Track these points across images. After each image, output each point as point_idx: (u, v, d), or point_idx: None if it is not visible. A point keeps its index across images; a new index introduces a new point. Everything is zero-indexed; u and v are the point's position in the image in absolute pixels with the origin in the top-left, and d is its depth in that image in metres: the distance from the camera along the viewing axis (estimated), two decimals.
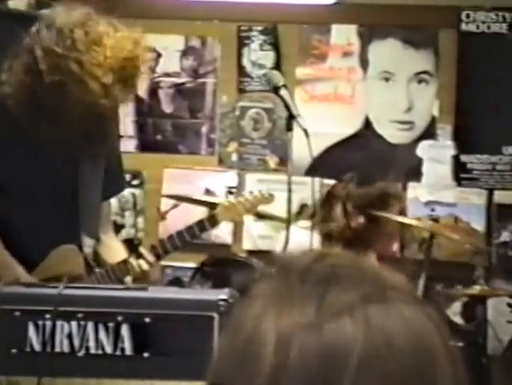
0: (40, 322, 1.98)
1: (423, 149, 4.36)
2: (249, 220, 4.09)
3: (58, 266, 2.32)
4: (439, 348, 0.64)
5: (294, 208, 4.00)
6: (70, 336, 1.97)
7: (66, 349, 1.97)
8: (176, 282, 4.12)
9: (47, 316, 1.98)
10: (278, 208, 3.02)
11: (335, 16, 4.40)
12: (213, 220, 2.64)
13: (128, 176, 4.07)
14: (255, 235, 4.34)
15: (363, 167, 4.31)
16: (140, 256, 2.45)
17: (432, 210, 4.25)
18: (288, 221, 2.39)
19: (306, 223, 3.81)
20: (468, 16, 4.32)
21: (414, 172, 4.35)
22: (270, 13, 4.42)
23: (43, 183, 2.35)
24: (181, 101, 4.52)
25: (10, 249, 2.33)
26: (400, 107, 4.38)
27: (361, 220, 3.52)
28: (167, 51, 4.50)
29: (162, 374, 1.98)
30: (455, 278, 4.07)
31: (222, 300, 1.96)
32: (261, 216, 3.49)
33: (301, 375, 0.61)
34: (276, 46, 4.44)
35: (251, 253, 4.17)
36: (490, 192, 4.27)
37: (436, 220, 4.15)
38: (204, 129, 4.52)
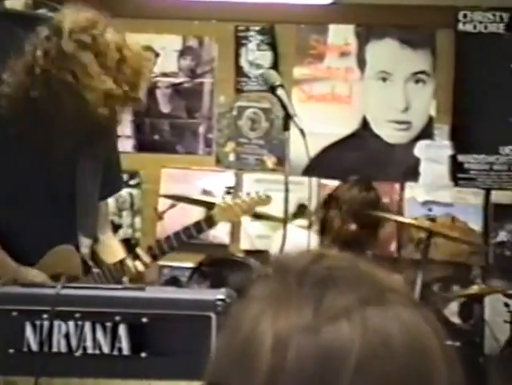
0: (37, 322, 1.98)
1: (420, 149, 4.37)
2: (246, 220, 4.09)
3: (55, 266, 2.32)
4: (435, 350, 0.64)
5: (292, 208, 4.00)
6: (67, 336, 1.97)
7: (63, 349, 1.97)
8: (174, 282, 4.12)
9: (45, 316, 1.98)
10: (275, 208, 3.02)
11: (332, 16, 4.40)
12: (210, 222, 2.64)
13: (125, 176, 4.07)
14: (253, 235, 4.34)
15: (361, 167, 4.32)
16: (136, 257, 2.45)
17: (430, 210, 4.26)
18: (285, 221, 2.39)
19: (304, 222, 3.81)
20: (465, 16, 4.32)
21: (411, 172, 4.35)
22: (267, 13, 4.42)
23: (40, 183, 2.35)
24: (179, 101, 4.52)
25: (6, 248, 2.32)
26: (398, 107, 4.38)
27: (353, 226, 3.54)
28: (164, 51, 4.50)
29: (160, 374, 1.98)
30: (452, 278, 4.08)
31: (220, 300, 1.96)
32: (258, 217, 3.49)
33: (298, 377, 0.61)
34: (273, 46, 4.44)
35: (249, 252, 4.17)
36: (487, 192, 4.28)
37: (433, 220, 4.16)
38: (201, 129, 4.52)
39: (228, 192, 4.36)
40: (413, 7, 4.30)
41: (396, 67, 4.38)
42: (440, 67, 4.35)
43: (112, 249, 2.53)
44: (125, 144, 4.30)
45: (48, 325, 1.97)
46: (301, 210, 4.14)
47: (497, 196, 4.26)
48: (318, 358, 0.61)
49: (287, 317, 0.63)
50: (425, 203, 4.29)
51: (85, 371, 1.97)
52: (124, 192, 4.26)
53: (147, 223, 4.48)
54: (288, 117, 2.33)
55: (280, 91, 2.35)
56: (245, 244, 4.36)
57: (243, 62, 4.47)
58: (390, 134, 4.39)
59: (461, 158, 4.34)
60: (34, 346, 1.98)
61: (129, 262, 2.42)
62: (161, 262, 3.77)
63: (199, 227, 2.60)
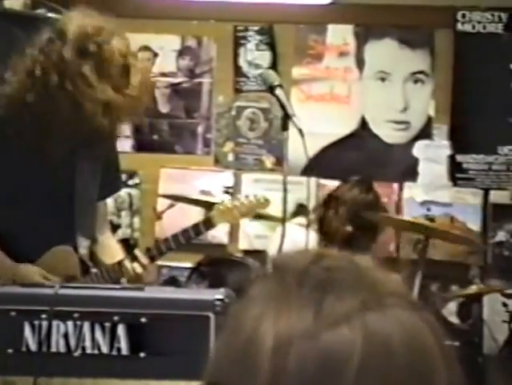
0: (36, 322, 1.98)
1: (419, 149, 4.37)
2: (245, 220, 4.09)
3: (53, 267, 2.32)
4: (435, 352, 0.64)
5: (291, 208, 4.00)
6: (66, 336, 1.97)
7: (62, 349, 1.97)
8: (173, 282, 4.12)
9: (43, 316, 1.98)
10: (273, 208, 3.02)
11: (331, 16, 4.40)
12: (208, 224, 2.65)
13: (124, 176, 4.07)
14: (251, 235, 4.34)
15: (360, 167, 4.32)
16: (134, 258, 2.44)
17: (428, 210, 4.26)
18: (284, 221, 2.39)
19: (303, 220, 3.81)
20: (464, 16, 4.32)
21: (410, 172, 4.35)
22: (266, 13, 4.42)
23: (38, 183, 2.34)
24: (177, 101, 4.52)
25: (4, 249, 2.32)
26: (396, 106, 4.38)
27: (350, 228, 3.54)
28: (163, 51, 4.50)
29: (158, 374, 1.98)
30: (450, 278, 4.08)
31: (218, 300, 1.96)
32: (257, 216, 3.49)
33: (300, 381, 0.61)
34: (272, 46, 4.44)
35: (247, 252, 4.17)
36: (486, 191, 4.28)
37: (431, 220, 4.16)
38: (200, 129, 4.52)
39: (226, 192, 4.36)
40: (412, 7, 4.30)
41: (395, 67, 4.38)
42: (438, 67, 4.35)
43: (111, 250, 2.53)
44: (124, 144, 4.30)
45: (47, 325, 1.97)
46: (300, 210, 4.14)
47: (495, 196, 4.26)
48: (320, 363, 0.61)
49: (288, 320, 0.63)
50: (424, 203, 4.29)
51: (84, 371, 1.97)
52: (123, 192, 4.26)
53: (146, 223, 4.48)
54: (287, 117, 2.33)
55: (279, 91, 2.35)
56: (243, 244, 4.36)
57: (242, 62, 4.47)
58: (389, 134, 4.40)
59: (459, 158, 4.34)
60: (33, 346, 1.97)
61: (127, 264, 2.42)
62: (160, 262, 3.77)
63: (197, 229, 2.61)
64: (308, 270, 0.65)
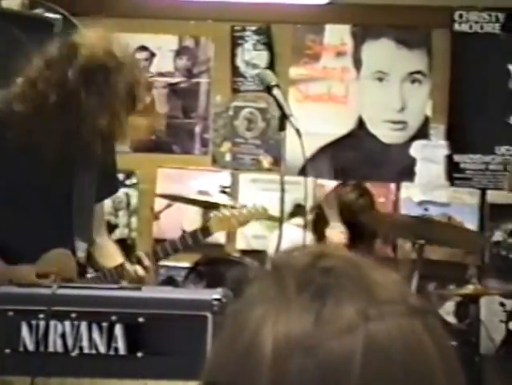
0: (33, 322, 1.98)
1: (416, 149, 4.37)
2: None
3: (49, 269, 2.31)
4: (437, 362, 0.64)
5: (288, 208, 4.00)
6: (63, 336, 1.97)
7: (59, 349, 1.97)
8: (170, 282, 4.12)
9: (41, 316, 1.97)
10: (271, 208, 3.02)
11: (328, 16, 4.41)
12: (206, 232, 2.65)
13: (121, 176, 4.07)
14: (249, 235, 4.34)
15: (357, 167, 4.32)
16: (137, 261, 2.44)
17: (426, 210, 4.26)
18: (281, 221, 2.40)
19: (300, 220, 3.81)
20: (461, 16, 4.33)
21: (407, 172, 4.36)
22: (263, 13, 4.43)
23: (36, 185, 2.34)
24: (175, 101, 4.52)
25: (1, 251, 2.31)
26: (394, 106, 4.39)
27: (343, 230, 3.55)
28: (161, 51, 4.50)
29: (156, 373, 1.98)
30: (448, 278, 4.09)
31: (216, 300, 1.96)
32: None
33: None
34: (270, 46, 4.44)
35: (245, 252, 4.18)
36: (483, 191, 4.29)
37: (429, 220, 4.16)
38: (197, 129, 4.52)
39: (224, 192, 4.36)
40: (409, 7, 4.30)
41: (392, 67, 4.38)
42: (436, 67, 4.36)
43: (109, 252, 2.52)
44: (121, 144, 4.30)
45: (44, 325, 1.97)
46: (297, 210, 4.14)
47: (492, 196, 4.27)
48: (320, 373, 0.61)
49: (287, 327, 0.62)
50: (421, 203, 4.30)
51: (81, 371, 1.97)
52: (121, 192, 4.25)
53: (143, 223, 4.48)
54: (284, 117, 2.33)
55: (276, 91, 2.35)
56: (241, 244, 4.36)
57: (239, 62, 4.47)
58: (386, 134, 4.40)
59: (456, 158, 4.34)
60: (31, 346, 1.97)
61: (129, 266, 2.42)
62: None
63: (195, 237, 2.61)
64: (307, 273, 0.65)
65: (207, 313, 1.94)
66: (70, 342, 1.97)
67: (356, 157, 4.37)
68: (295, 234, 2.97)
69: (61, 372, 1.97)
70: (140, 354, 1.97)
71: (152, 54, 4.50)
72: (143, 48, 4.49)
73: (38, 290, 2.04)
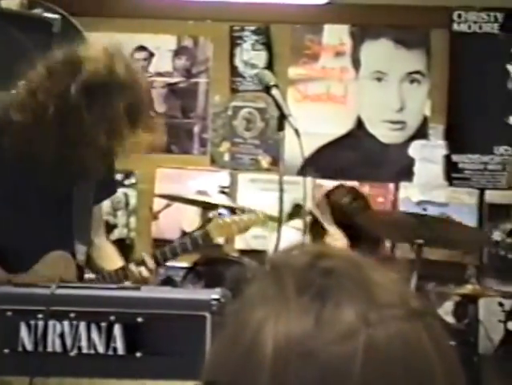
0: (32, 322, 1.98)
1: (415, 149, 4.37)
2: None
3: (49, 271, 2.30)
4: (437, 366, 0.64)
5: (287, 208, 4.00)
6: (62, 336, 1.97)
7: (58, 349, 1.97)
8: (169, 282, 4.12)
9: (39, 316, 1.97)
10: (270, 207, 3.02)
11: (327, 16, 4.41)
12: (206, 238, 2.66)
13: (120, 176, 4.07)
14: (248, 235, 4.34)
15: (356, 167, 4.32)
16: (141, 262, 2.44)
17: (424, 210, 4.26)
18: (280, 221, 2.40)
19: (299, 223, 3.82)
20: (459, 16, 4.33)
21: (406, 172, 4.36)
22: (262, 13, 4.43)
23: (35, 188, 2.33)
24: (174, 101, 4.52)
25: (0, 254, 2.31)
26: (392, 106, 4.39)
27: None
28: (159, 51, 4.50)
29: (154, 373, 1.98)
30: (446, 277, 4.09)
31: (214, 300, 1.96)
32: None
33: None
34: (268, 46, 4.44)
35: (243, 252, 4.18)
36: (482, 191, 4.29)
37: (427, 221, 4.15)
38: (196, 129, 4.52)
39: (222, 192, 4.36)
40: (408, 7, 4.30)
41: (391, 67, 4.39)
42: (434, 67, 4.36)
43: (107, 254, 2.52)
44: None
45: (43, 325, 1.97)
46: (296, 210, 4.14)
47: (491, 196, 4.27)
48: (319, 377, 0.61)
49: (287, 330, 0.62)
50: (420, 203, 4.30)
51: (80, 371, 1.97)
52: (119, 192, 4.25)
53: (142, 223, 4.48)
54: (283, 117, 2.33)
55: (275, 91, 2.36)
56: (239, 243, 4.36)
57: (238, 62, 4.48)
58: (385, 134, 4.40)
59: (455, 158, 4.35)
60: (29, 346, 1.97)
61: (133, 268, 2.41)
62: None
63: (195, 242, 2.62)
64: (307, 273, 0.64)
65: (206, 313, 1.95)
66: (68, 342, 1.97)
67: (355, 157, 4.37)
68: (294, 235, 2.98)
69: (60, 372, 1.97)
70: (138, 354, 1.97)
71: (151, 54, 4.50)
72: (141, 48, 4.49)
73: (37, 290, 2.04)
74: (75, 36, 3.18)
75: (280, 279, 0.65)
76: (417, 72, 4.37)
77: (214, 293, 1.98)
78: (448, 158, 4.35)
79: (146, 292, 2.11)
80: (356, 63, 4.40)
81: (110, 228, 4.23)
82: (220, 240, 2.75)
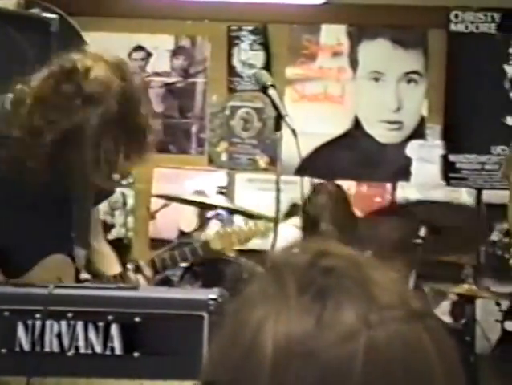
0: (30, 322, 1.98)
1: (412, 149, 4.38)
2: (238, 219, 4.10)
3: (47, 275, 2.30)
4: (437, 368, 0.64)
5: (284, 207, 4.01)
6: (59, 336, 1.97)
7: (55, 348, 1.97)
8: (166, 282, 4.12)
9: (37, 316, 1.98)
10: (267, 207, 3.02)
11: (324, 16, 4.41)
12: (205, 247, 2.66)
13: (117, 176, 4.06)
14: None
15: (353, 166, 4.33)
16: (138, 269, 2.44)
17: None
18: (276, 221, 2.40)
19: (297, 220, 3.82)
20: (457, 16, 4.34)
21: (403, 172, 4.37)
22: (259, 13, 4.43)
23: (34, 191, 2.32)
24: (171, 101, 4.53)
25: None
26: (390, 106, 4.40)
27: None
28: (157, 51, 4.50)
29: (152, 373, 1.98)
30: (444, 277, 4.09)
31: (212, 299, 1.96)
32: (250, 216, 3.50)
33: None
34: (266, 46, 4.45)
35: (241, 252, 4.18)
36: (479, 191, 4.29)
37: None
38: (194, 129, 4.52)
39: (220, 193, 4.36)
40: (405, 7, 4.31)
41: (388, 67, 4.39)
42: (432, 67, 4.37)
43: (105, 257, 2.51)
44: None
45: (40, 324, 1.97)
46: (293, 210, 4.14)
47: (488, 196, 4.28)
48: (319, 378, 0.61)
49: (288, 328, 0.62)
50: None
51: (77, 371, 1.97)
52: (117, 191, 4.25)
53: (139, 222, 4.48)
54: (279, 117, 2.34)
55: (272, 91, 2.36)
56: (238, 246, 4.36)
57: (236, 62, 4.48)
58: (382, 134, 4.41)
59: (452, 158, 4.35)
60: (27, 346, 1.97)
61: (131, 275, 2.41)
62: None
63: (195, 252, 2.63)
64: (308, 272, 0.64)
65: (203, 312, 1.95)
66: (66, 341, 1.97)
67: (352, 157, 4.37)
68: (292, 232, 2.98)
69: (57, 372, 1.97)
70: (136, 354, 1.97)
71: (149, 54, 4.50)
72: (139, 48, 4.49)
73: (35, 290, 2.04)
74: (72, 36, 3.17)
75: (281, 278, 0.65)
76: (414, 72, 4.38)
77: (212, 293, 1.98)
78: (445, 158, 4.36)
79: (143, 292, 2.12)
80: (354, 63, 4.41)
81: (107, 227, 4.23)
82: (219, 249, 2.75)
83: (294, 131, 2.28)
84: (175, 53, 4.52)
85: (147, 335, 1.97)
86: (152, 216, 4.43)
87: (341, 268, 0.65)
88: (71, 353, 1.97)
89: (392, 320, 0.63)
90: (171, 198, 4.09)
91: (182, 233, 4.38)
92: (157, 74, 4.51)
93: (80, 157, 2.13)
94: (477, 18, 4.32)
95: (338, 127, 4.42)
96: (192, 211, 4.19)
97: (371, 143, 4.39)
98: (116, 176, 2.43)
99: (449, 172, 4.35)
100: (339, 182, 4.12)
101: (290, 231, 3.32)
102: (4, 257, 2.30)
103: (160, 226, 4.41)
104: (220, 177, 4.45)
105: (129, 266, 2.45)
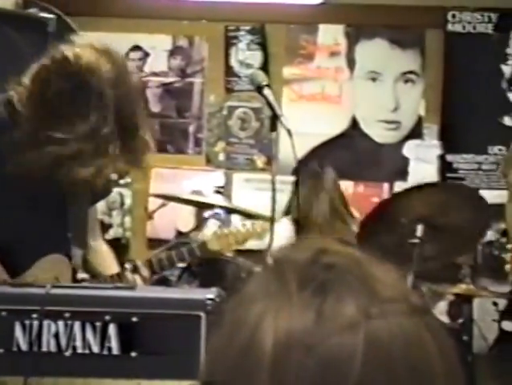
0: (27, 322, 1.98)
1: (409, 149, 4.38)
2: (235, 219, 4.10)
3: (44, 275, 2.30)
4: (437, 360, 0.64)
5: (281, 207, 4.00)
6: (57, 336, 1.97)
7: (53, 348, 1.97)
8: (164, 281, 4.12)
9: (34, 316, 1.97)
10: (264, 207, 3.03)
11: (322, 16, 4.42)
12: (203, 248, 2.66)
13: (115, 176, 4.06)
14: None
15: (350, 166, 4.33)
16: (135, 270, 2.44)
17: None
18: (272, 220, 2.40)
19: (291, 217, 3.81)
20: (454, 16, 4.34)
21: (400, 172, 4.37)
22: (257, 13, 4.43)
23: (30, 191, 2.32)
24: (169, 100, 4.53)
25: None
26: (387, 106, 4.40)
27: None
28: (155, 51, 4.50)
29: (149, 373, 1.98)
30: (441, 277, 4.09)
31: (209, 299, 1.96)
32: (247, 216, 3.50)
33: None
34: (263, 46, 4.45)
35: (239, 252, 4.18)
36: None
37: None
38: (191, 129, 4.52)
39: (218, 192, 4.36)
40: (402, 7, 4.31)
41: (386, 67, 4.39)
42: (429, 67, 4.37)
43: (103, 257, 2.51)
44: None
45: (38, 324, 1.97)
46: (290, 210, 4.14)
47: (485, 196, 4.28)
48: (320, 370, 0.61)
49: (288, 324, 0.62)
50: None
51: (75, 371, 1.97)
52: (115, 191, 4.26)
53: (137, 222, 4.48)
54: (275, 117, 2.34)
55: (267, 91, 2.36)
56: (235, 247, 4.36)
57: (233, 62, 4.48)
58: (379, 133, 4.41)
59: (449, 158, 4.36)
60: (24, 346, 1.97)
61: (128, 275, 2.41)
62: None
63: (192, 253, 2.62)
64: (309, 269, 0.64)
65: (201, 312, 1.95)
66: (63, 341, 1.97)
67: (350, 157, 4.38)
68: (288, 231, 2.98)
69: (54, 372, 1.97)
70: (133, 354, 1.97)
71: (146, 54, 4.50)
72: (137, 48, 4.49)
73: (32, 290, 2.04)
74: (70, 36, 3.17)
75: (282, 274, 0.65)
76: (412, 72, 4.38)
77: (209, 293, 1.98)
78: (442, 158, 4.36)
79: (141, 292, 2.12)
80: (351, 63, 4.41)
81: (105, 227, 4.23)
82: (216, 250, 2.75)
83: (289, 132, 2.28)
84: (172, 53, 4.52)
85: (144, 335, 1.97)
86: (150, 216, 4.44)
87: (342, 264, 0.65)
88: (68, 353, 1.97)
89: (393, 313, 0.63)
90: (168, 198, 4.09)
91: (180, 233, 4.38)
92: (155, 74, 4.51)
93: (76, 147, 2.10)
94: (474, 18, 4.32)
95: (335, 127, 4.42)
96: (189, 211, 4.19)
97: (368, 143, 4.39)
98: (114, 176, 2.41)
99: (446, 172, 4.35)
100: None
101: (286, 229, 3.32)
102: (1, 256, 2.30)
103: (158, 226, 4.41)
104: (217, 177, 4.45)
105: (127, 266, 2.45)
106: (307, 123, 4.26)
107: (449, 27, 4.34)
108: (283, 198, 3.84)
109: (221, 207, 3.47)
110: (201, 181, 4.43)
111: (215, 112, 4.50)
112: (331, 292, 0.63)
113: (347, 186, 4.26)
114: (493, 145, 4.32)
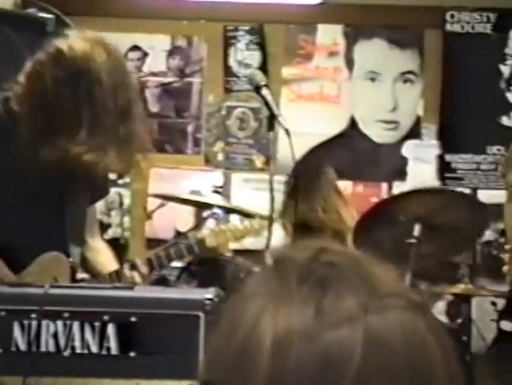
0: (26, 322, 1.98)
1: (408, 149, 4.39)
2: (235, 219, 4.10)
3: (43, 273, 2.30)
4: (436, 354, 0.64)
5: (280, 207, 4.00)
6: (55, 335, 1.97)
7: (51, 348, 1.97)
8: (162, 281, 4.12)
9: (33, 315, 1.97)
10: (263, 207, 3.03)
11: (320, 16, 4.42)
12: (201, 244, 2.66)
13: (114, 176, 4.07)
14: None
15: (349, 166, 4.33)
16: (134, 267, 2.44)
17: None
18: (271, 220, 2.40)
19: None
20: (452, 16, 4.34)
21: (399, 172, 4.37)
22: (256, 13, 4.43)
23: (28, 188, 2.32)
24: (167, 100, 4.53)
25: None
26: (386, 106, 4.40)
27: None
28: (153, 51, 4.50)
29: (148, 373, 1.98)
30: (439, 277, 4.10)
31: (208, 299, 1.96)
32: (246, 215, 3.50)
33: (299, 382, 0.61)
34: (262, 46, 4.45)
35: (237, 252, 4.18)
36: (474, 191, 4.30)
37: None
38: (190, 129, 4.52)
39: (216, 192, 4.36)
40: (401, 8, 4.32)
41: (384, 67, 4.40)
42: (428, 67, 4.37)
43: (102, 256, 2.51)
44: None
45: (36, 324, 1.97)
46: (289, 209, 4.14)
47: (484, 196, 4.28)
48: (319, 364, 0.61)
49: (288, 319, 0.62)
50: None
51: (73, 371, 1.97)
52: (113, 191, 4.26)
53: (136, 222, 4.48)
54: (273, 117, 2.34)
55: (265, 91, 2.36)
56: (233, 243, 4.36)
57: (232, 62, 4.48)
58: (378, 134, 4.41)
59: (448, 158, 4.36)
60: (23, 346, 1.97)
61: (127, 272, 2.41)
62: None
63: (190, 249, 2.63)
64: (309, 266, 0.65)
65: (199, 312, 1.95)
66: (62, 341, 1.97)
67: (348, 157, 4.38)
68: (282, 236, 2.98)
69: (53, 372, 1.97)
70: (132, 354, 1.97)
71: (145, 54, 4.50)
72: (135, 48, 4.49)
73: (30, 290, 2.04)
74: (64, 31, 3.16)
75: (283, 273, 0.65)
76: (410, 72, 4.38)
77: (208, 293, 1.99)
78: (441, 158, 4.36)
79: (140, 292, 2.12)
80: (350, 63, 4.41)
81: (104, 227, 4.23)
82: (214, 246, 2.76)
83: (287, 131, 2.28)
84: (171, 53, 4.52)
85: (143, 335, 1.97)
86: (149, 216, 4.43)
87: (342, 262, 0.66)
88: (67, 353, 1.97)
89: (393, 308, 0.64)
90: (167, 198, 4.09)
91: (179, 233, 4.38)
92: (153, 74, 4.51)
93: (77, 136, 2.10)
94: (472, 18, 4.33)
95: (334, 127, 4.42)
96: (188, 211, 4.19)
97: (367, 143, 4.40)
98: (112, 176, 2.41)
99: (445, 172, 4.35)
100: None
101: (278, 233, 3.32)
102: (0, 254, 2.30)
103: (157, 226, 4.41)
104: (216, 177, 4.45)
105: (125, 265, 2.46)
106: (306, 123, 4.26)
107: (448, 27, 4.34)
108: (282, 198, 3.84)
109: (219, 207, 3.47)
110: (200, 181, 4.43)
111: (214, 112, 4.50)
112: (330, 288, 0.63)
113: (345, 186, 4.26)
114: (492, 145, 4.32)
